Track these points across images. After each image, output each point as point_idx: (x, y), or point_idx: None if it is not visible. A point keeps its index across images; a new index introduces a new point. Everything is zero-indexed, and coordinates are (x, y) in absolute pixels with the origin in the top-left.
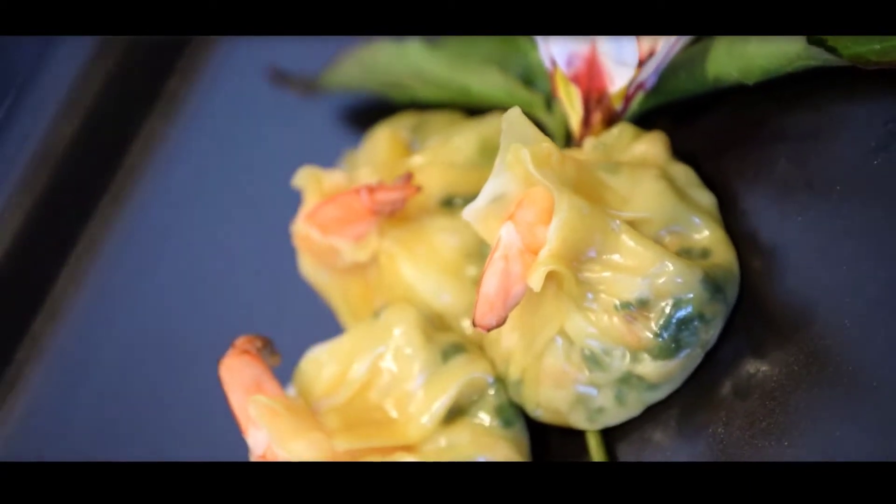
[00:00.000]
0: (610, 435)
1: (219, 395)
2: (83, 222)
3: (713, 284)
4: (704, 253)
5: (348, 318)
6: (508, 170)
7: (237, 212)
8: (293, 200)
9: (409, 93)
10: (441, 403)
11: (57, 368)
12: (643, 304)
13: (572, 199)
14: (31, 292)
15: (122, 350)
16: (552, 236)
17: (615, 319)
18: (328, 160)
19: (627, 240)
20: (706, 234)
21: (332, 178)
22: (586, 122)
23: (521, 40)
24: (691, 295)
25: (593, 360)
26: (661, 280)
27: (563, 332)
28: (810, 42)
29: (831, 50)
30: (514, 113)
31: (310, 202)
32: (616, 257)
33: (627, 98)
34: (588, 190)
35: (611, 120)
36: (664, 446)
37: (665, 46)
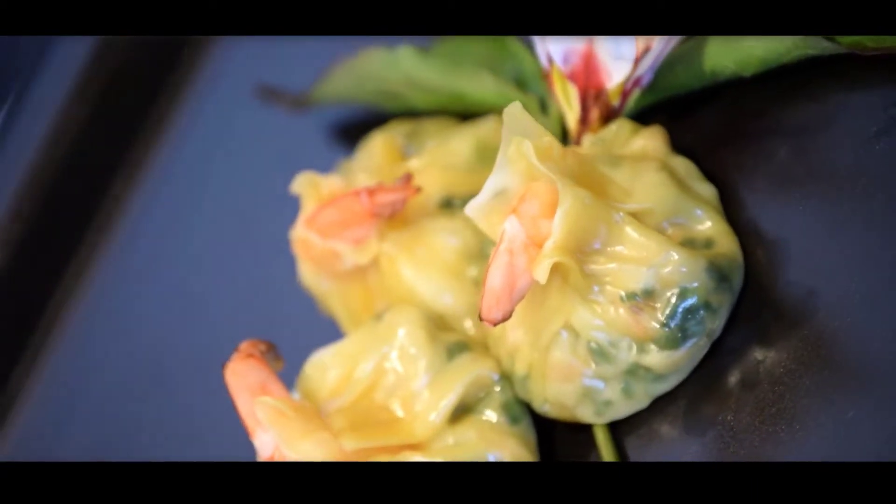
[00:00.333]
0: (617, 429)
1: (221, 400)
2: (84, 224)
3: (718, 273)
4: (708, 243)
5: (349, 324)
6: (510, 164)
7: (236, 217)
8: (291, 208)
9: (401, 101)
10: (447, 402)
11: (60, 372)
12: (649, 295)
13: (576, 191)
14: (32, 294)
15: (125, 355)
16: (557, 228)
17: (621, 311)
18: (323, 170)
19: (631, 231)
20: (708, 224)
21: (330, 184)
22: (584, 119)
23: (513, 45)
24: (696, 284)
25: (600, 353)
26: (667, 270)
27: (568, 326)
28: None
29: (829, 38)
30: (515, 107)
31: (308, 208)
32: (620, 248)
33: (625, 94)
34: (590, 183)
35: (608, 117)
36: (673, 438)
37: (661, 42)
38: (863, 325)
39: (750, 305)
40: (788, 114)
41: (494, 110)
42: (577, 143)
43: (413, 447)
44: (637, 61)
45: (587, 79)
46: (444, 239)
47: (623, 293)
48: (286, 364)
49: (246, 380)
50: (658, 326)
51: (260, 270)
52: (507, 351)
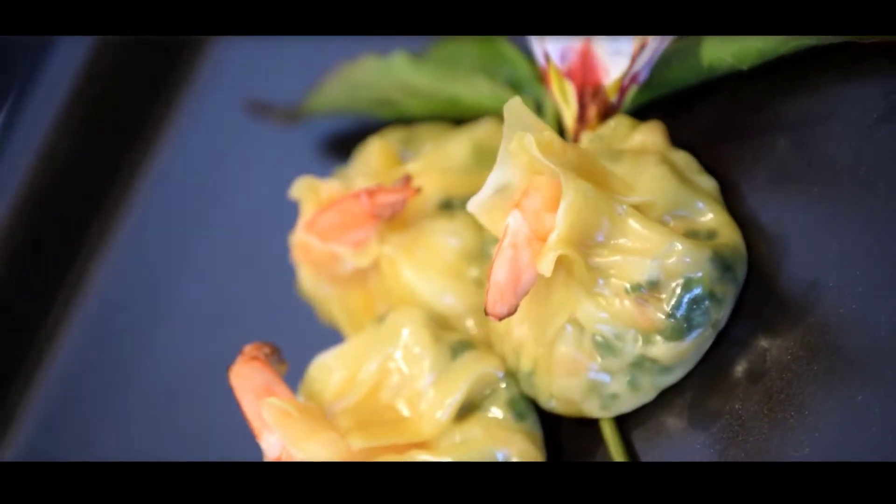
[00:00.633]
0: (624, 423)
1: (225, 404)
2: (84, 227)
3: (722, 263)
4: (710, 234)
5: (350, 329)
6: (512, 159)
7: (236, 221)
8: (290, 213)
9: (396, 108)
10: (453, 399)
11: (64, 374)
12: (654, 286)
13: (578, 183)
14: (33, 296)
15: (128, 358)
16: (560, 220)
17: (626, 303)
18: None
19: (634, 223)
20: (710, 216)
21: (329, 188)
22: (581, 117)
23: (506, 49)
24: (701, 274)
25: (605, 346)
26: (671, 260)
27: (573, 320)
28: None
29: None
30: (515, 102)
31: (307, 212)
32: (624, 241)
33: (622, 90)
34: (592, 177)
35: (606, 113)
36: (680, 430)
37: (658, 38)
38: (869, 311)
39: (754, 296)
40: (787, 106)
41: (490, 114)
42: (576, 141)
43: (420, 446)
44: (634, 56)
45: (584, 76)
46: (445, 240)
47: (628, 285)
48: (289, 369)
49: (251, 382)
50: (663, 317)
51: (261, 275)
52: (511, 347)
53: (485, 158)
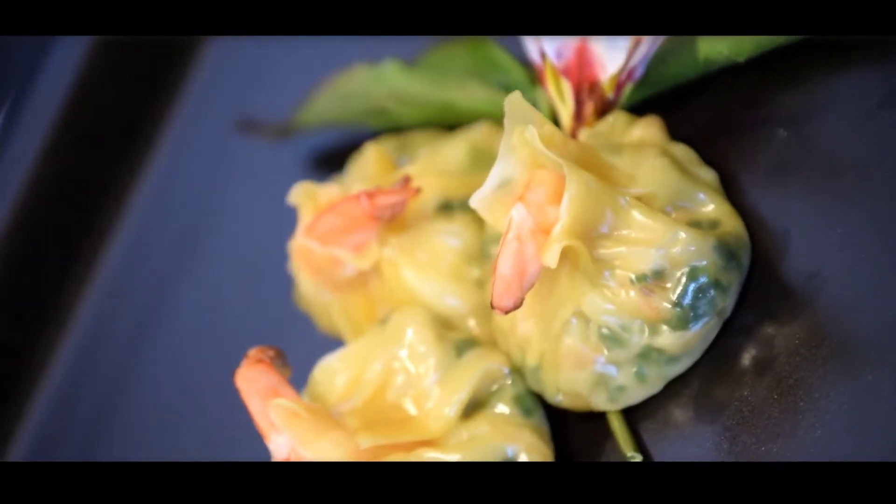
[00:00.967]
0: (631, 415)
1: (228, 407)
2: (84, 229)
3: (727, 251)
4: (713, 224)
5: (352, 334)
6: (514, 153)
7: (229, 229)
8: (285, 225)
9: (388, 117)
10: (460, 397)
11: (63, 382)
12: (659, 276)
13: (581, 174)
14: (31, 295)
15: (128, 366)
16: (564, 212)
17: (632, 293)
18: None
19: (637, 214)
20: (712, 207)
21: (327, 192)
22: (578, 114)
23: (498, 55)
24: (705, 262)
25: (612, 338)
26: (676, 249)
27: (578, 313)
28: None
29: None
30: (516, 97)
31: (306, 217)
32: (628, 232)
33: (619, 86)
34: (593, 170)
35: (603, 110)
36: (689, 420)
37: None
38: (875, 294)
39: (758, 284)
40: (786, 96)
41: (485, 117)
42: (574, 138)
43: (428, 443)
44: (631, 51)
45: (581, 72)
46: (445, 241)
47: (633, 276)
48: (293, 373)
49: (257, 385)
50: (670, 307)
51: (258, 285)
52: (517, 343)
53: (482, 160)
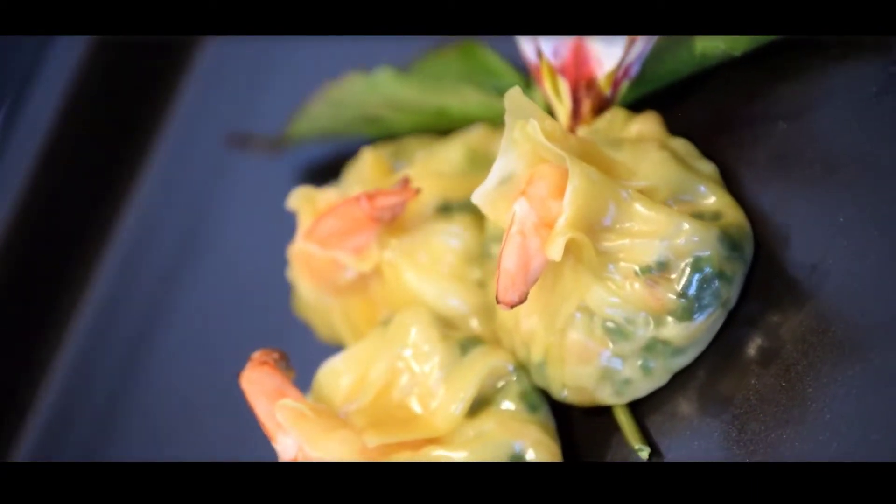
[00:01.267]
0: (638, 409)
1: (231, 412)
2: (85, 230)
3: (730, 242)
4: (715, 216)
5: (353, 340)
6: (515, 147)
7: (227, 237)
8: (284, 231)
9: (383, 125)
10: (465, 394)
11: (63, 389)
12: (663, 267)
13: (584, 167)
14: (29, 302)
15: (129, 372)
16: (567, 205)
17: (636, 285)
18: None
19: (640, 207)
20: (713, 199)
21: (327, 197)
22: (575, 113)
23: (491, 60)
24: (709, 253)
25: (617, 332)
26: (679, 240)
27: (582, 307)
28: None
29: None
30: (515, 92)
31: (305, 222)
32: (631, 225)
33: (616, 83)
34: (594, 164)
35: (600, 108)
36: (696, 412)
37: None
38: (880, 282)
39: (761, 275)
40: (784, 88)
41: (480, 120)
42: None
43: (435, 441)
44: (628, 46)
45: (577, 70)
46: (445, 242)
47: (637, 267)
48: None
49: (262, 386)
50: (674, 297)
51: (256, 295)
52: (521, 340)
53: (479, 162)
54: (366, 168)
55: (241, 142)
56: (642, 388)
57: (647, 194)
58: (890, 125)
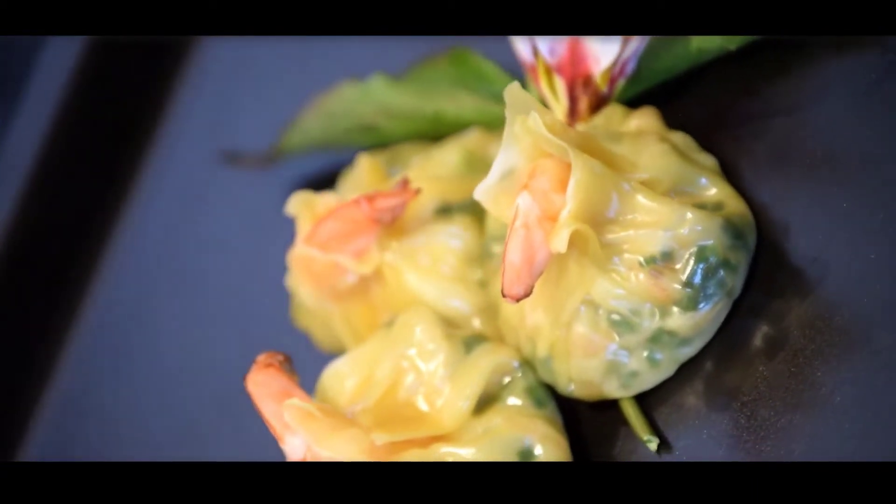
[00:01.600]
0: (645, 401)
1: (236, 416)
2: (85, 230)
3: (733, 230)
4: (717, 206)
5: (354, 345)
6: (516, 142)
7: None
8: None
9: (378, 133)
10: (472, 391)
11: (82, 382)
12: (668, 257)
13: (586, 159)
14: (25, 303)
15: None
16: (571, 196)
17: (641, 276)
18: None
19: (642, 198)
20: (714, 190)
21: (325, 201)
22: (572, 111)
23: (484, 66)
24: (713, 242)
25: (622, 324)
26: (683, 230)
27: (586, 301)
28: None
29: None
30: (515, 87)
31: (305, 227)
32: (634, 216)
33: (612, 79)
34: (595, 157)
35: (597, 105)
36: (704, 400)
37: None
38: (882, 269)
39: (765, 264)
40: (782, 81)
41: (475, 124)
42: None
43: (443, 438)
44: (624, 42)
45: (574, 67)
46: (446, 243)
47: (642, 258)
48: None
49: (268, 388)
50: (679, 287)
51: (256, 299)
52: (527, 335)
53: (476, 165)
54: (362, 174)
55: (232, 159)
56: (649, 380)
57: (648, 186)
58: (890, 113)
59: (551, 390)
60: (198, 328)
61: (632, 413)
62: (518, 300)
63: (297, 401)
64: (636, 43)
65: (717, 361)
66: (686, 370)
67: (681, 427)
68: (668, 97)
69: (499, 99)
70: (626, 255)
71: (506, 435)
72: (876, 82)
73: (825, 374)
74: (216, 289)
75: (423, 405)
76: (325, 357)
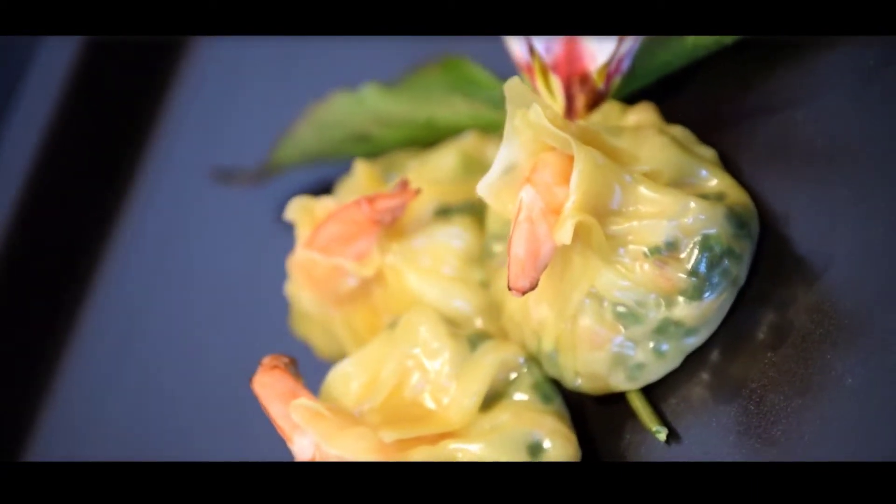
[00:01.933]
0: (653, 393)
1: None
2: (86, 229)
3: (737, 219)
4: (719, 196)
5: (355, 350)
6: (518, 136)
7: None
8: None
9: (371, 142)
10: (478, 388)
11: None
12: (672, 247)
13: (589, 150)
14: (20, 310)
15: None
16: (574, 188)
17: (646, 266)
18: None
19: (645, 190)
20: (715, 181)
21: (325, 206)
22: (569, 109)
23: (477, 73)
24: (717, 230)
25: (628, 316)
26: (687, 219)
27: (591, 294)
28: None
29: None
30: (515, 81)
31: (304, 232)
32: (637, 207)
33: (609, 76)
34: (597, 149)
35: (594, 102)
36: (712, 390)
37: None
38: (885, 257)
39: (767, 255)
40: (779, 74)
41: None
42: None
43: (451, 435)
44: (620, 38)
45: (570, 65)
46: (446, 244)
47: (646, 249)
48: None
49: (275, 389)
50: (685, 276)
51: (255, 309)
52: (532, 330)
53: (473, 168)
54: (360, 180)
55: (224, 176)
56: (656, 371)
57: (650, 178)
58: (889, 99)
59: (558, 385)
60: (198, 336)
61: (639, 405)
62: (524, 293)
63: (304, 400)
64: (632, 39)
65: (723, 350)
66: (693, 360)
67: (689, 417)
68: (665, 94)
69: (493, 104)
70: (631, 246)
71: (514, 430)
72: (874, 68)
73: (835, 358)
74: (215, 298)
75: (429, 403)
76: (325, 366)
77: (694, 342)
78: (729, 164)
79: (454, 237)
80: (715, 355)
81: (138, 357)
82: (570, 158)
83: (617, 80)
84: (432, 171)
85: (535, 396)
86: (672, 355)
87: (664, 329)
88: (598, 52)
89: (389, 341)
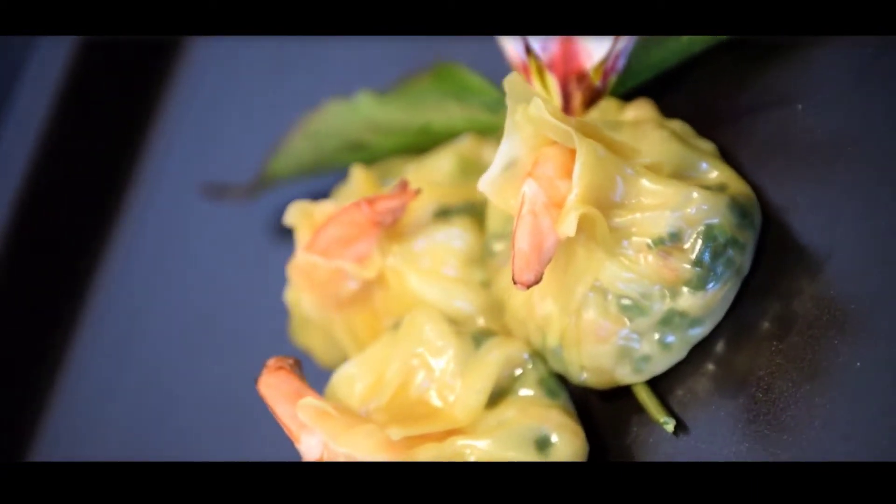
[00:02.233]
0: (659, 385)
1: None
2: (87, 229)
3: (740, 209)
4: (721, 188)
5: (357, 353)
6: (518, 131)
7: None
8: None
9: (366, 151)
10: (483, 385)
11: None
12: (676, 238)
13: (591, 143)
14: (16, 313)
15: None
16: (577, 180)
17: (650, 258)
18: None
19: (647, 182)
20: (716, 173)
21: (324, 209)
22: (567, 107)
23: (471, 79)
24: (720, 220)
25: (633, 308)
26: (690, 210)
27: (595, 287)
28: None
29: None
30: (514, 77)
31: (304, 236)
32: (640, 200)
33: (606, 73)
34: (598, 142)
35: (592, 100)
36: (718, 380)
37: None
38: (887, 250)
39: (770, 246)
40: (776, 70)
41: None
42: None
43: (458, 432)
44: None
45: (566, 64)
46: (447, 245)
47: (650, 240)
48: None
49: (281, 390)
50: (689, 266)
51: (254, 319)
52: (536, 326)
53: (471, 170)
54: (357, 186)
55: (217, 192)
56: (661, 363)
57: (651, 171)
58: (887, 89)
59: (563, 381)
60: (202, 339)
61: (646, 397)
62: (529, 287)
63: (311, 399)
64: (626, 38)
65: (728, 341)
66: (698, 352)
67: (697, 408)
68: (662, 90)
69: (487, 108)
70: (634, 238)
71: (521, 425)
72: (874, 57)
73: (842, 343)
74: (214, 307)
75: (435, 401)
76: (325, 375)
77: (699, 333)
78: (728, 159)
79: (454, 238)
80: (720, 345)
81: (139, 360)
82: (572, 152)
83: (614, 77)
84: (430, 175)
85: (541, 392)
86: (678, 347)
87: (669, 320)
88: (595, 49)
89: (393, 342)
